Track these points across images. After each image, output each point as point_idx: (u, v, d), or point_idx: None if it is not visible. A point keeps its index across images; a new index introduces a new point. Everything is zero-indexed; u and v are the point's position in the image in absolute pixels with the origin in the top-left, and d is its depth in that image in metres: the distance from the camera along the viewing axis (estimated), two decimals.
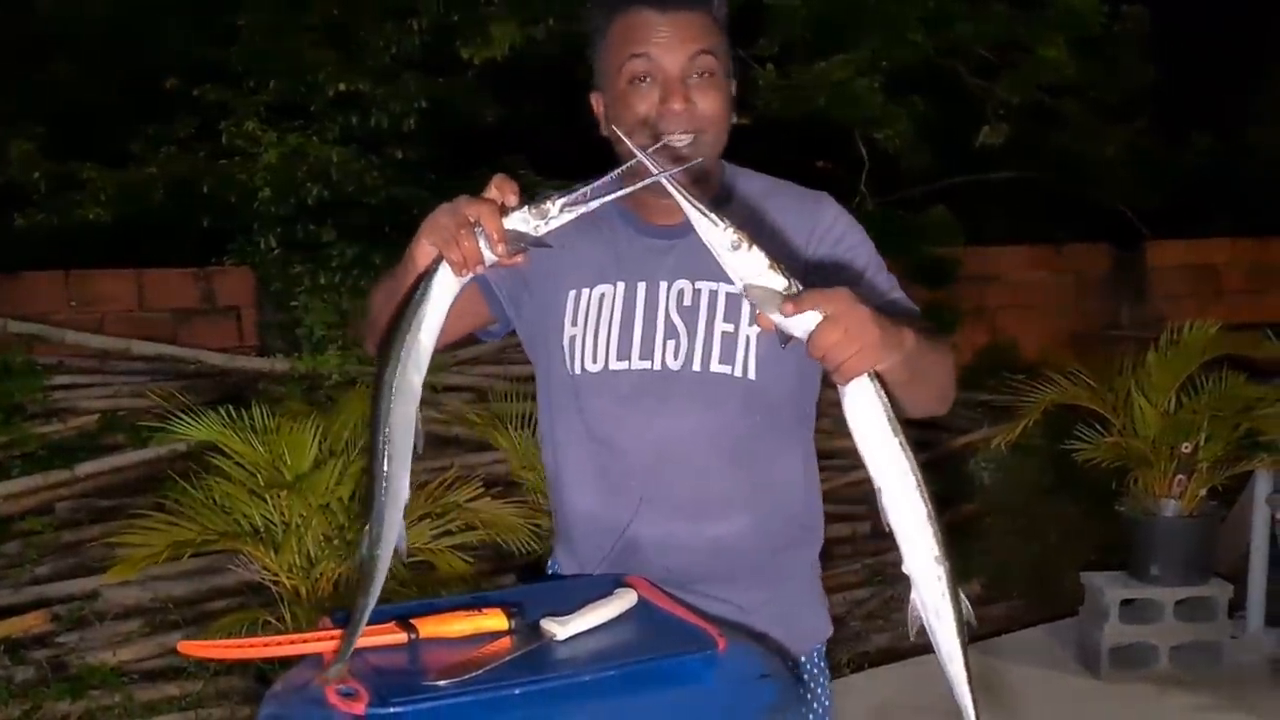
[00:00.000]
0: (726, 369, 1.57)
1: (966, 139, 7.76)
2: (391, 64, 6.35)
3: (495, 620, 1.39)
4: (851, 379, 1.24)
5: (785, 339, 1.26)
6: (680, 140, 1.52)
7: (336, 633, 1.40)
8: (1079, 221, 8.74)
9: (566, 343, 1.63)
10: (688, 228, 1.39)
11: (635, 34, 1.53)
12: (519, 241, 1.30)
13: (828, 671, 1.77)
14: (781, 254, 1.38)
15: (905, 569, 1.29)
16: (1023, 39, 7.51)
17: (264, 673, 2.75)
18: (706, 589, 1.59)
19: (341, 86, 6.11)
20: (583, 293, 1.62)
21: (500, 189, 1.34)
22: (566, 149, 7.36)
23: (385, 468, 1.29)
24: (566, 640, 1.35)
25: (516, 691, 1.22)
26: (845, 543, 5.27)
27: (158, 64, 6.70)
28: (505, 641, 1.36)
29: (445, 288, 1.32)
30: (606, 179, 1.32)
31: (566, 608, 1.42)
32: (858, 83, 6.77)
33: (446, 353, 5.58)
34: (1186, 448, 3.83)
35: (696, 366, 1.58)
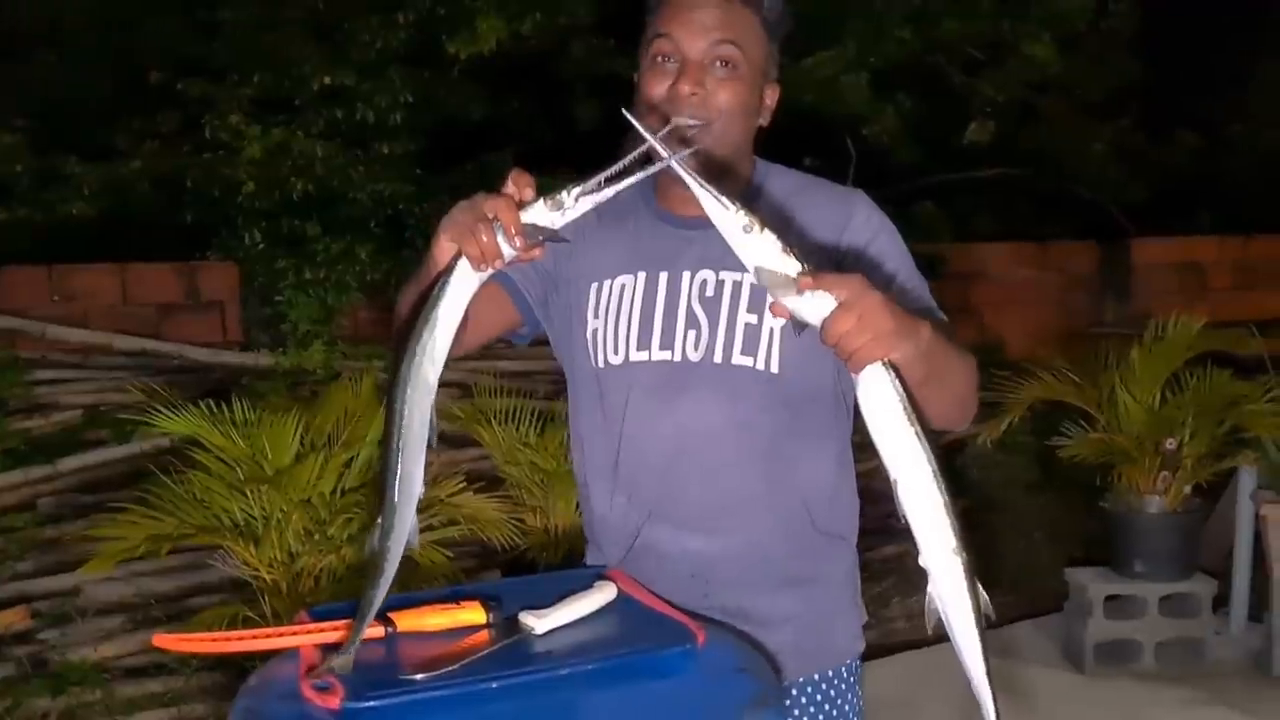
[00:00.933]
0: (748, 361, 1.53)
1: (953, 135, 7.78)
2: (377, 58, 6.31)
3: (473, 614, 1.39)
4: (864, 367, 1.21)
5: (800, 326, 1.24)
6: (685, 122, 1.49)
7: (313, 627, 1.39)
8: (1065, 218, 8.77)
9: (589, 336, 1.61)
10: None
11: (670, 13, 1.52)
12: (536, 235, 1.30)
13: (858, 689, 1.68)
14: (812, 250, 1.39)
15: (922, 562, 1.26)
16: (1009, 36, 7.53)
17: (246, 669, 2.73)
18: (728, 597, 1.56)
19: (327, 80, 6.06)
20: (604, 284, 1.60)
21: (516, 183, 1.33)
22: (552, 144, 7.40)
23: (400, 461, 1.28)
24: (545, 634, 1.34)
25: (494, 685, 1.21)
26: None
27: (142, 58, 6.67)
28: (483, 635, 1.36)
29: (463, 283, 1.31)
30: (619, 165, 1.31)
31: (545, 601, 1.41)
32: (845, 79, 6.78)
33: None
34: (1171, 444, 3.84)
35: (718, 358, 1.54)
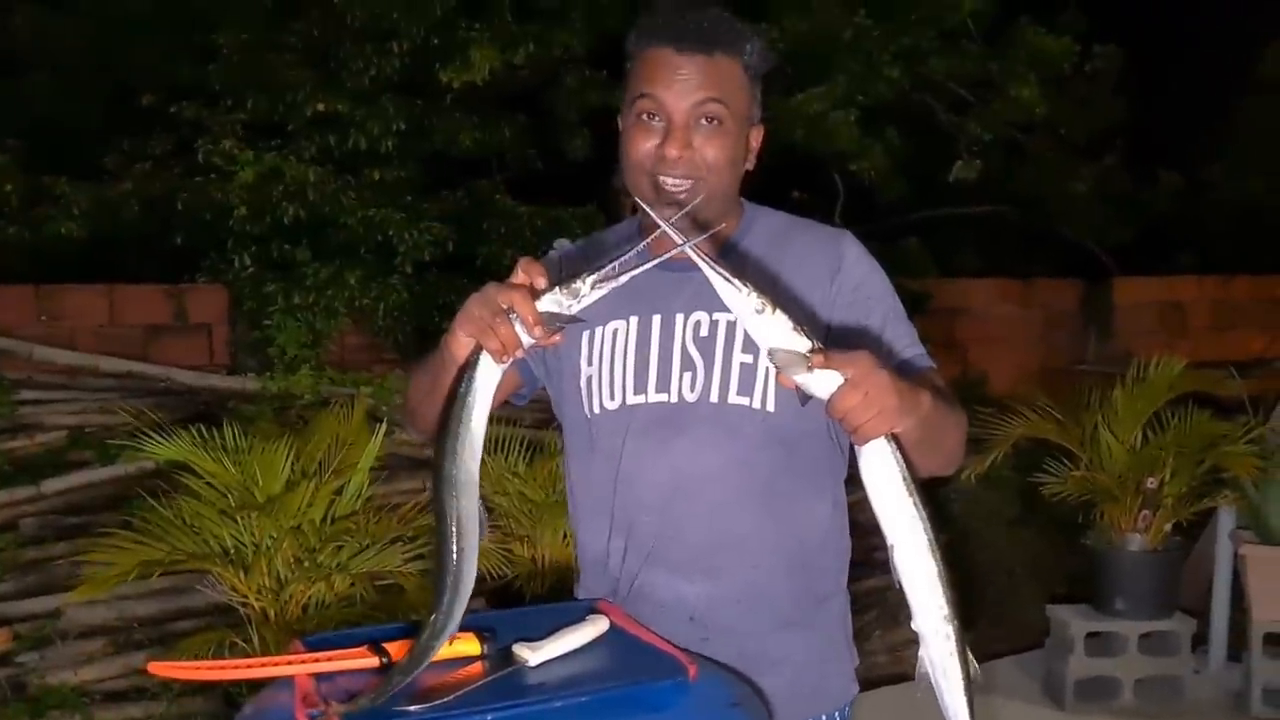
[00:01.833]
0: (745, 400, 1.54)
1: (939, 173, 7.87)
2: (370, 86, 6.35)
3: (468, 645, 1.40)
4: (869, 441, 1.26)
5: (805, 398, 1.27)
6: (677, 186, 1.51)
7: (307, 656, 1.40)
8: (1048, 256, 8.86)
9: (584, 384, 1.62)
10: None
11: (651, 71, 1.52)
12: (554, 321, 1.32)
13: None
14: (805, 315, 1.42)
15: (914, 626, 1.31)
16: (996, 77, 7.63)
17: (231, 695, 2.72)
18: (727, 640, 1.55)
19: (320, 107, 6.11)
20: (596, 331, 1.60)
21: (528, 272, 1.34)
22: (542, 174, 7.45)
23: (455, 559, 1.30)
24: (539, 666, 1.35)
25: (489, 717, 1.22)
26: None
27: (135, 80, 6.68)
28: (477, 667, 1.37)
29: (488, 377, 1.33)
30: (633, 252, 1.33)
31: (539, 633, 1.42)
32: (834, 116, 6.85)
33: None
34: (1152, 483, 3.88)
35: (714, 398, 1.54)
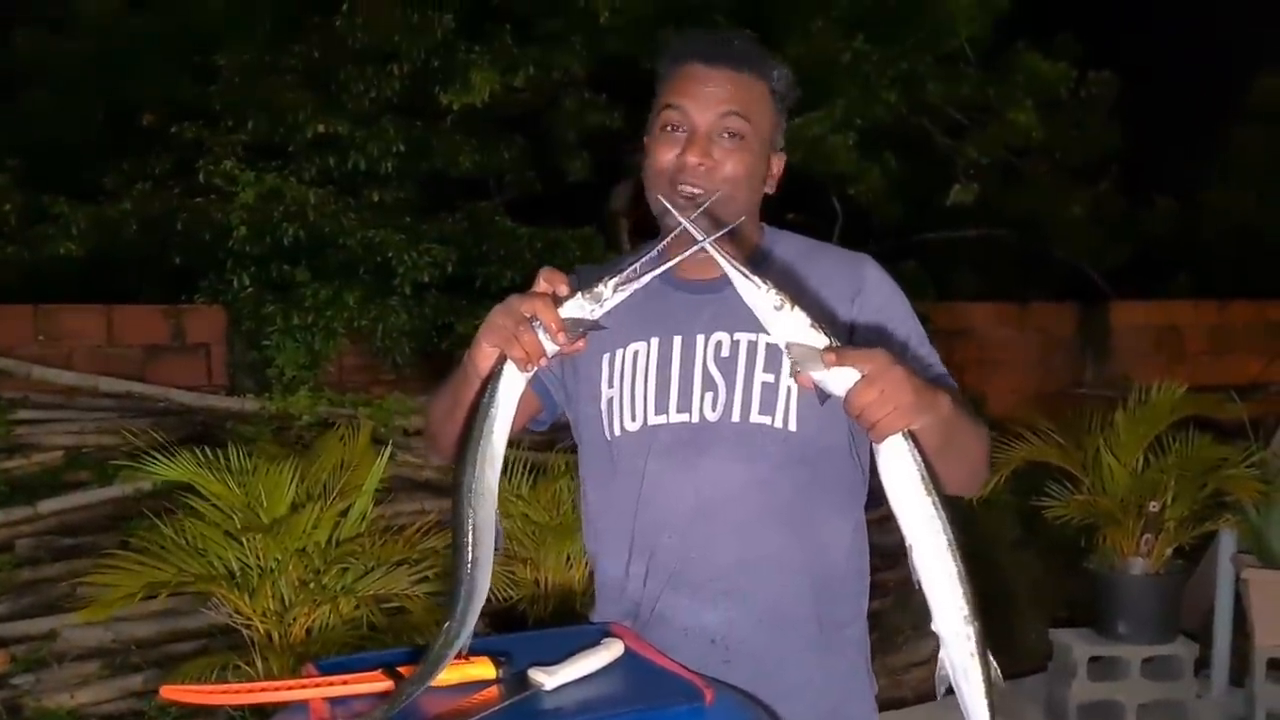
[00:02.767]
0: (767, 419, 1.54)
1: (936, 196, 7.90)
2: (371, 107, 6.37)
3: (483, 669, 1.39)
4: (886, 437, 1.25)
5: (824, 397, 1.27)
6: (691, 190, 1.51)
7: (321, 680, 1.39)
8: (1045, 280, 8.90)
9: (604, 406, 1.61)
10: (725, 281, 1.41)
11: (679, 84, 1.54)
12: (577, 328, 1.32)
13: None
14: (825, 316, 1.41)
15: (934, 628, 1.29)
16: (993, 101, 7.67)
17: (233, 719, 2.70)
18: (748, 663, 1.54)
19: (320, 128, 6.12)
20: (616, 353, 1.60)
21: (550, 281, 1.35)
22: (541, 195, 7.46)
23: (470, 569, 1.30)
24: (554, 690, 1.34)
25: None
26: None
27: (135, 101, 6.70)
28: (493, 691, 1.35)
29: (512, 386, 1.34)
30: (653, 251, 1.33)
31: (554, 657, 1.41)
32: (832, 138, 6.88)
33: (420, 396, 5.56)
34: (1154, 506, 3.87)
35: (735, 417, 1.54)
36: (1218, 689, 4.18)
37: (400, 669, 1.38)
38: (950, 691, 1.31)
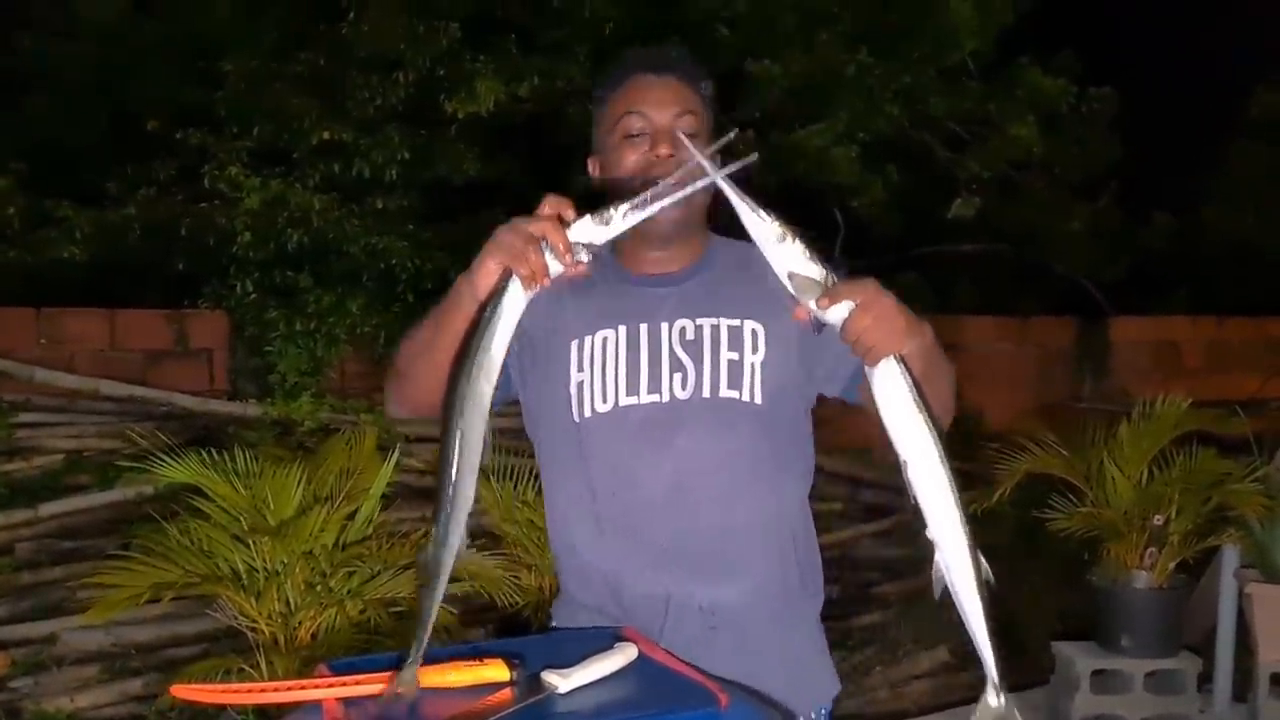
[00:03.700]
0: (735, 394, 1.63)
1: (937, 209, 7.92)
2: (376, 115, 6.38)
3: (497, 671, 1.39)
4: (880, 360, 1.34)
5: (819, 326, 1.36)
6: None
7: (334, 680, 1.39)
8: (1044, 294, 8.92)
9: (574, 389, 1.65)
10: (683, 275, 1.68)
11: (632, 95, 1.65)
12: (583, 250, 1.37)
13: None
14: (774, 303, 1.53)
15: (929, 534, 1.38)
16: (993, 115, 7.70)
17: None
18: (733, 630, 1.64)
19: (325, 135, 6.13)
20: (585, 339, 1.66)
21: (556, 205, 1.40)
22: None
23: (454, 475, 1.34)
24: (568, 693, 1.35)
25: None
26: None
27: (138, 105, 6.71)
28: (507, 693, 1.36)
29: (515, 302, 1.37)
30: (665, 183, 1.38)
31: (567, 660, 1.41)
32: (835, 151, 6.91)
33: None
34: (1158, 520, 3.87)
35: (706, 393, 1.63)
36: (1221, 704, 4.17)
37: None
38: (946, 594, 1.41)
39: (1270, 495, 3.93)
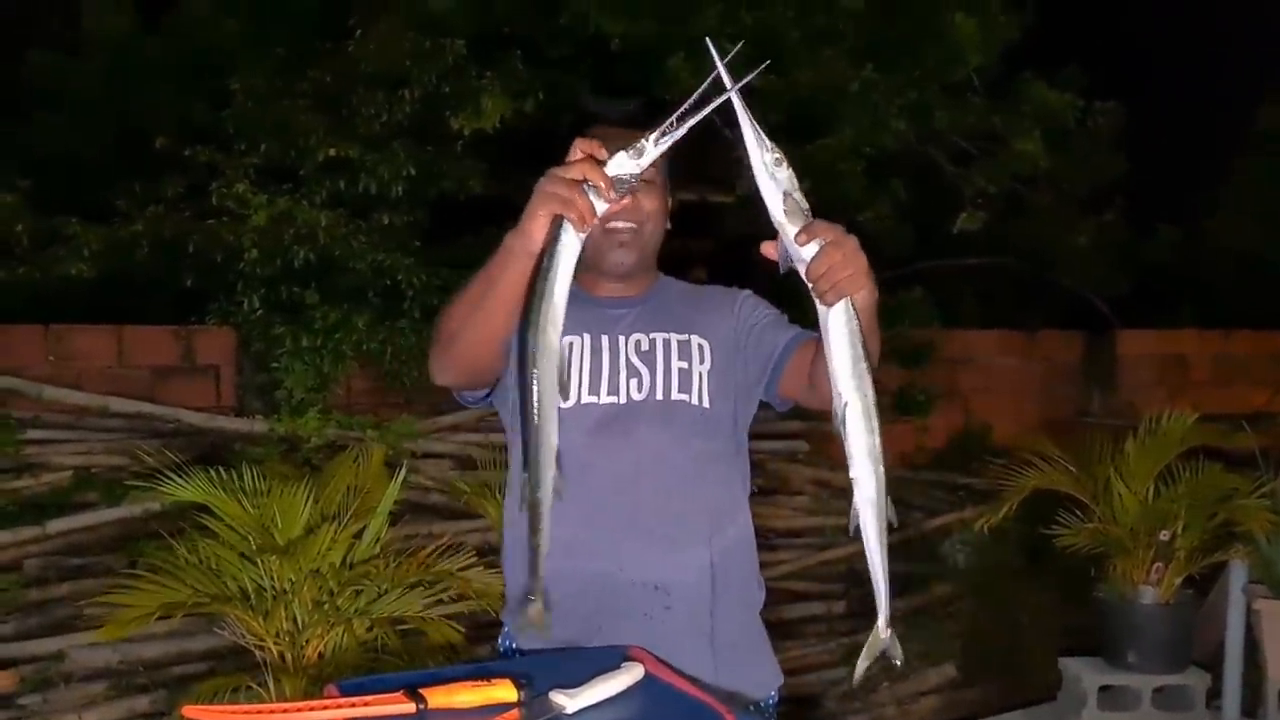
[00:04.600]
0: (685, 397, 1.83)
1: (943, 224, 7.93)
2: (382, 131, 6.41)
3: (505, 691, 1.39)
4: (840, 299, 1.42)
5: (787, 261, 1.43)
6: (623, 227, 1.81)
7: (343, 701, 1.39)
8: (1048, 308, 8.91)
9: None
10: (638, 300, 1.90)
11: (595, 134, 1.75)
12: (623, 184, 1.45)
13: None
14: (714, 318, 1.88)
15: (852, 473, 1.48)
16: (999, 130, 7.71)
17: None
18: (685, 609, 1.78)
19: (331, 152, 6.15)
20: None
21: (588, 148, 1.48)
22: None
23: (536, 422, 1.41)
24: (576, 713, 1.35)
25: None
26: (819, 621, 5.25)
27: (149, 123, 6.74)
28: (514, 714, 1.36)
29: (570, 247, 1.43)
30: (687, 104, 1.42)
31: (574, 680, 1.42)
32: (842, 166, 6.92)
33: (429, 419, 5.58)
34: (1165, 536, 3.87)
35: (659, 395, 1.82)
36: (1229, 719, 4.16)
37: (421, 690, 1.38)
38: (858, 531, 1.51)
39: (1277, 511, 3.93)
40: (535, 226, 1.47)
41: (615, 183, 1.43)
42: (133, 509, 4.59)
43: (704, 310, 1.91)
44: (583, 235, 1.44)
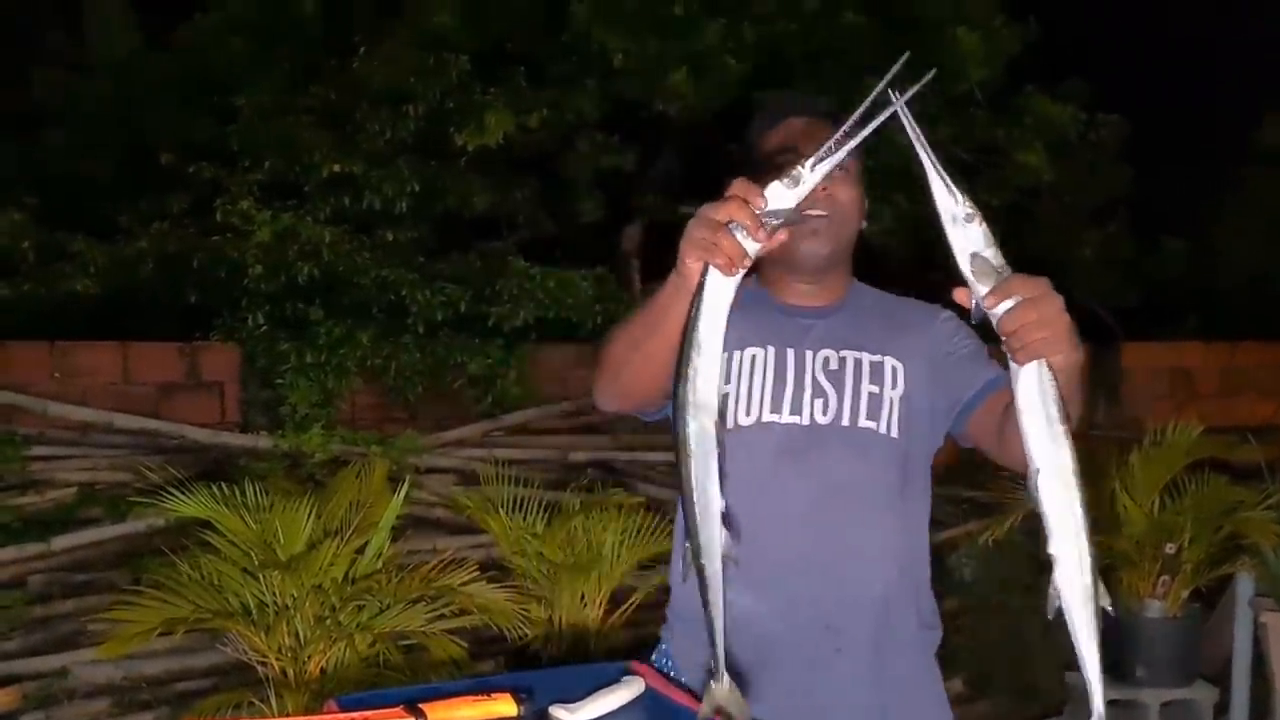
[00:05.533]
0: (873, 425, 1.71)
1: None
2: (386, 148, 6.43)
3: (505, 706, 1.39)
4: (1033, 360, 1.28)
5: (980, 313, 1.30)
6: (816, 214, 1.65)
7: (343, 716, 1.39)
8: None
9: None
10: (828, 309, 1.78)
11: (789, 136, 1.73)
12: (774, 222, 1.32)
13: None
14: (913, 335, 1.74)
15: (1050, 549, 1.32)
16: (1003, 143, 7.71)
17: None
18: (855, 650, 1.69)
19: (335, 168, 6.18)
20: (734, 354, 1.73)
21: (742, 189, 1.34)
22: (554, 236, 7.49)
23: (694, 482, 1.33)
24: None
25: None
26: None
27: (154, 140, 6.77)
28: None
29: (719, 293, 1.33)
30: (845, 127, 1.32)
31: (575, 694, 1.41)
32: None
33: (433, 435, 5.58)
34: (1171, 549, 3.85)
35: (845, 421, 1.71)
36: None
37: (422, 705, 1.38)
38: (1059, 613, 1.32)
39: None
40: (687, 271, 1.37)
41: (770, 216, 1.31)
42: (137, 525, 4.60)
43: (900, 328, 1.79)
44: (738, 279, 1.33)
